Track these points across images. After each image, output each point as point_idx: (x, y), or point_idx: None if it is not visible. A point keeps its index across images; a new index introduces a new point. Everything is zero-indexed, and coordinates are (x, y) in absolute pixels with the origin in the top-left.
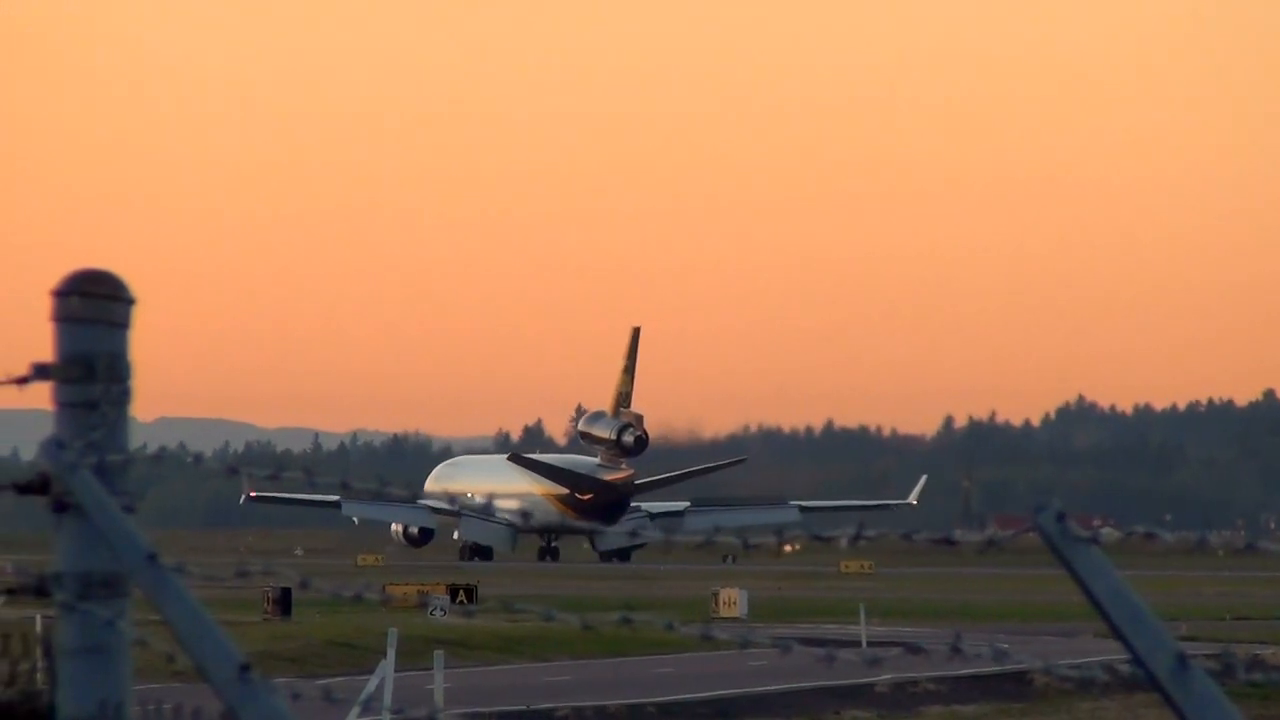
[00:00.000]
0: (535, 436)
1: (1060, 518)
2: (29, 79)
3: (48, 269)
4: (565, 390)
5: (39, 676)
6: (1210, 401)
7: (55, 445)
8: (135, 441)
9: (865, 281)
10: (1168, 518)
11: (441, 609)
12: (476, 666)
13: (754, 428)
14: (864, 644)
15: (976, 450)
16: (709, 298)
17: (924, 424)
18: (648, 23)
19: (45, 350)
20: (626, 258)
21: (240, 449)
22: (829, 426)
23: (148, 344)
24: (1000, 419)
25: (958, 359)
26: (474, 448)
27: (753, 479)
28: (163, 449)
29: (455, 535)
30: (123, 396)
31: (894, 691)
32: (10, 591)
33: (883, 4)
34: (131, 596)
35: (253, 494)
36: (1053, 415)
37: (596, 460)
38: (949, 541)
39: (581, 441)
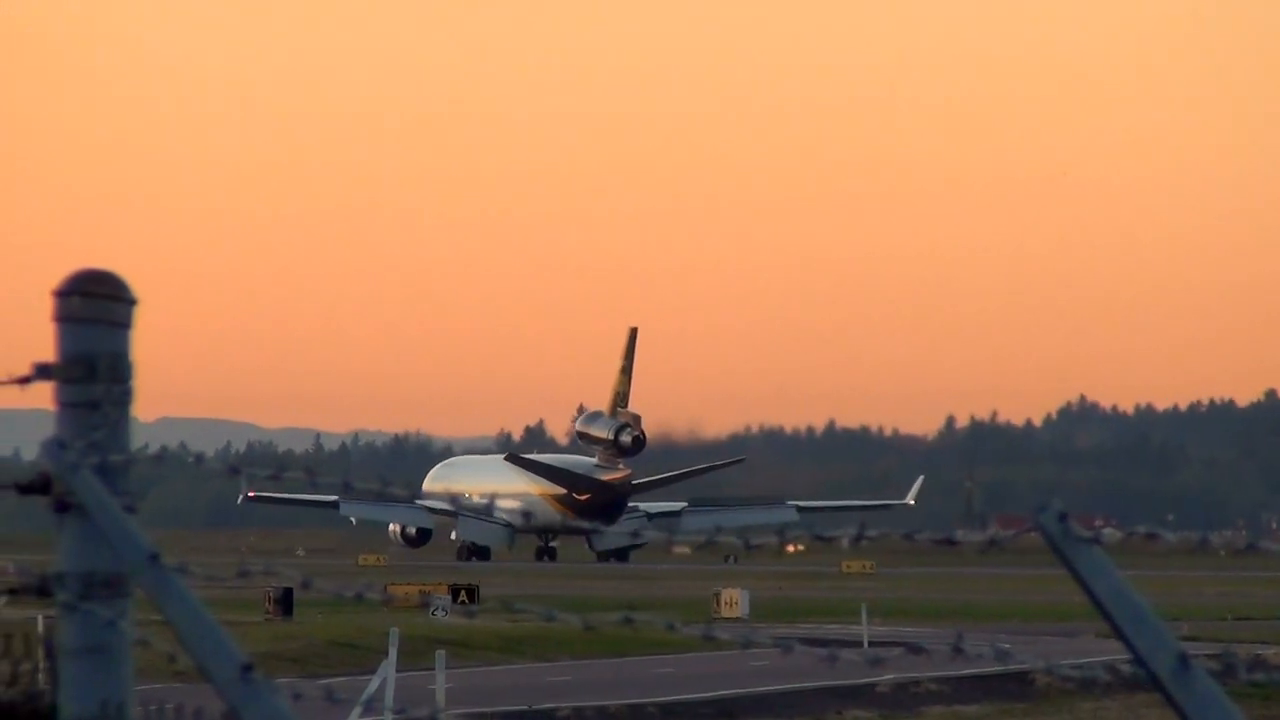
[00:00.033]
0: (537, 436)
1: (1062, 518)
2: (29, 79)
3: (49, 269)
4: (567, 390)
5: (41, 677)
6: (1212, 401)
7: (57, 445)
8: (137, 441)
9: (866, 281)
10: (1169, 518)
11: (443, 609)
12: (478, 666)
13: (755, 428)
14: (866, 644)
15: (978, 450)
16: (710, 297)
17: (925, 424)
18: (648, 23)
19: (47, 350)
20: (627, 257)
21: (242, 449)
22: (830, 426)
23: (149, 344)
24: (1002, 419)
25: (959, 359)
26: (475, 448)
27: (754, 479)
28: (164, 449)
29: (453, 535)
30: (124, 396)
31: (896, 691)
32: (12, 591)
33: (883, 4)
34: (133, 596)
35: (251, 494)
36: (1054, 415)
37: (594, 460)
38: (951, 542)
39: (579, 441)
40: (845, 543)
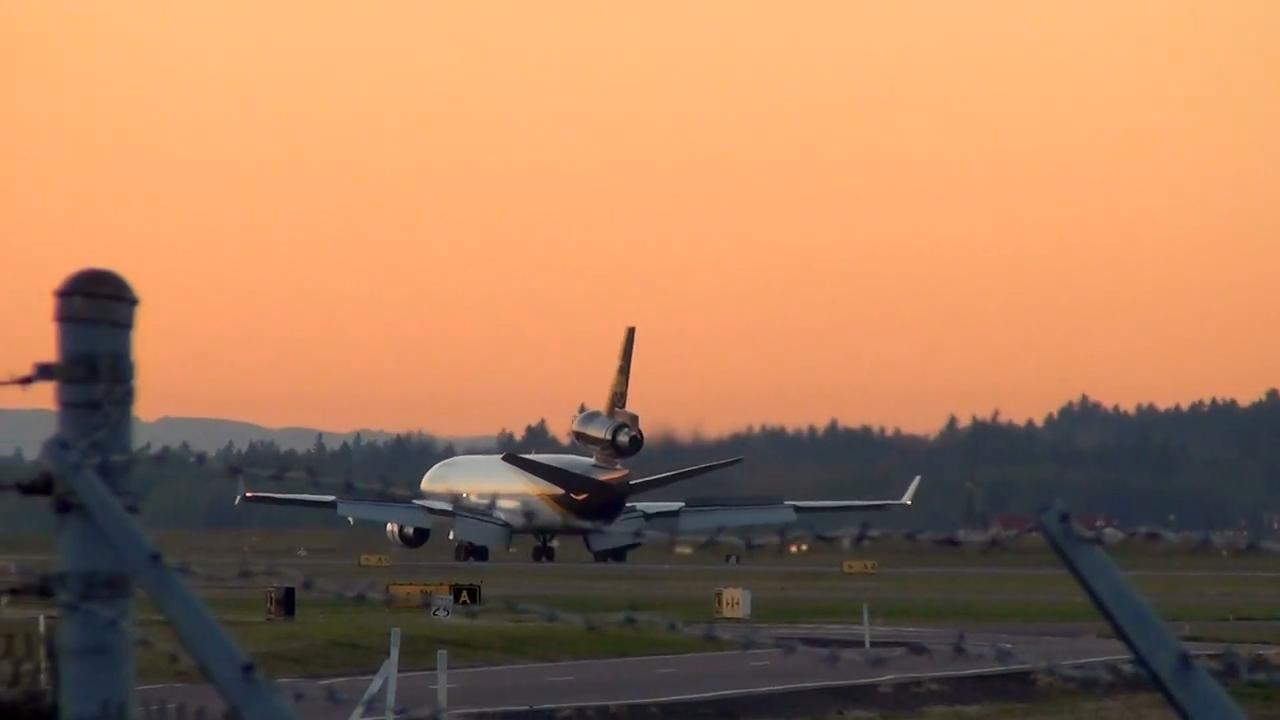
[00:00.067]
0: (539, 436)
1: (1064, 518)
2: (30, 79)
3: (51, 269)
4: (568, 390)
5: (42, 677)
6: (1213, 401)
7: (59, 445)
8: (138, 442)
9: (867, 281)
10: (1171, 518)
11: (444, 609)
12: (479, 667)
13: (757, 428)
14: (867, 644)
15: (979, 450)
16: (711, 298)
17: (927, 424)
18: (647, 23)
19: (48, 350)
20: (629, 258)
21: (244, 449)
22: (832, 426)
23: (151, 344)
24: (1003, 419)
25: (961, 359)
26: (477, 448)
27: (756, 479)
28: (166, 449)
29: (451, 535)
30: (126, 397)
31: (897, 692)
32: (14, 591)
33: (883, 4)
34: (134, 597)
35: (249, 494)
36: (1056, 415)
37: (592, 460)
38: (952, 542)
39: (576, 442)
40: (847, 543)
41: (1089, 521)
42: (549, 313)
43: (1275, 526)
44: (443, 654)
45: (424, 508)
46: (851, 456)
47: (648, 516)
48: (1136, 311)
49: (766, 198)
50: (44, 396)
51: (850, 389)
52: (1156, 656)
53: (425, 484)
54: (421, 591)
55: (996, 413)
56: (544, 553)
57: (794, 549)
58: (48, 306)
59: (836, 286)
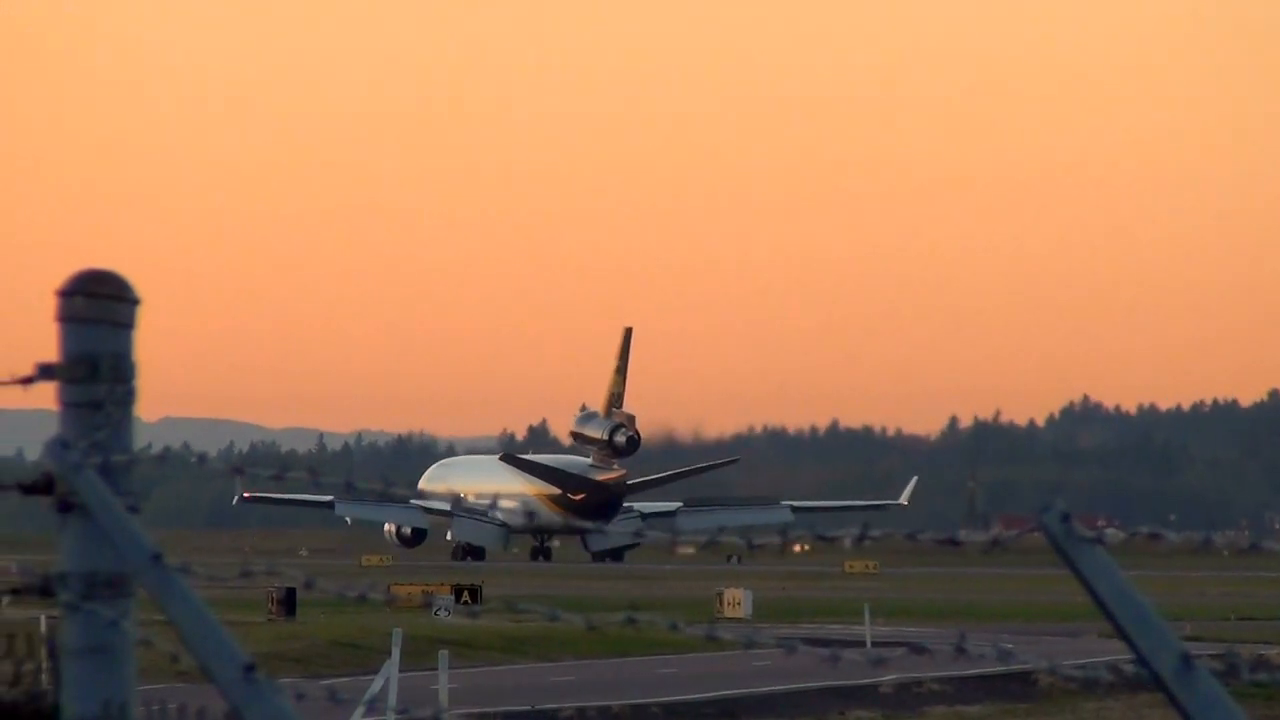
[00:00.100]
0: (540, 436)
1: (1065, 518)
2: (30, 79)
3: (52, 269)
4: (570, 390)
5: (43, 677)
6: (1215, 402)
7: (60, 445)
8: (140, 441)
9: (868, 281)
10: (1172, 518)
11: (446, 609)
12: (481, 667)
13: (759, 428)
14: (868, 644)
15: (980, 450)
16: (712, 297)
17: (928, 424)
18: (647, 23)
19: (50, 350)
20: (630, 257)
21: (245, 449)
22: (834, 427)
23: (152, 344)
24: (1005, 419)
25: (962, 359)
26: (478, 448)
27: (757, 479)
28: (167, 449)
29: (448, 535)
30: (127, 396)
31: (898, 692)
32: (15, 591)
33: (883, 4)
34: (136, 597)
35: (246, 495)
36: (1057, 415)
37: (589, 460)
38: (954, 542)
39: (574, 442)
40: (848, 543)
41: (1090, 521)
42: (550, 312)
43: (1277, 526)
44: (444, 654)
45: (421, 508)
46: (853, 456)
47: (644, 517)
48: (1138, 311)
49: (766, 197)
50: (45, 396)
51: (851, 389)
52: (1158, 657)
53: (423, 484)
54: (423, 591)
55: (998, 413)
56: (541, 553)
57: (797, 549)
58: (49, 306)
59: (836, 286)
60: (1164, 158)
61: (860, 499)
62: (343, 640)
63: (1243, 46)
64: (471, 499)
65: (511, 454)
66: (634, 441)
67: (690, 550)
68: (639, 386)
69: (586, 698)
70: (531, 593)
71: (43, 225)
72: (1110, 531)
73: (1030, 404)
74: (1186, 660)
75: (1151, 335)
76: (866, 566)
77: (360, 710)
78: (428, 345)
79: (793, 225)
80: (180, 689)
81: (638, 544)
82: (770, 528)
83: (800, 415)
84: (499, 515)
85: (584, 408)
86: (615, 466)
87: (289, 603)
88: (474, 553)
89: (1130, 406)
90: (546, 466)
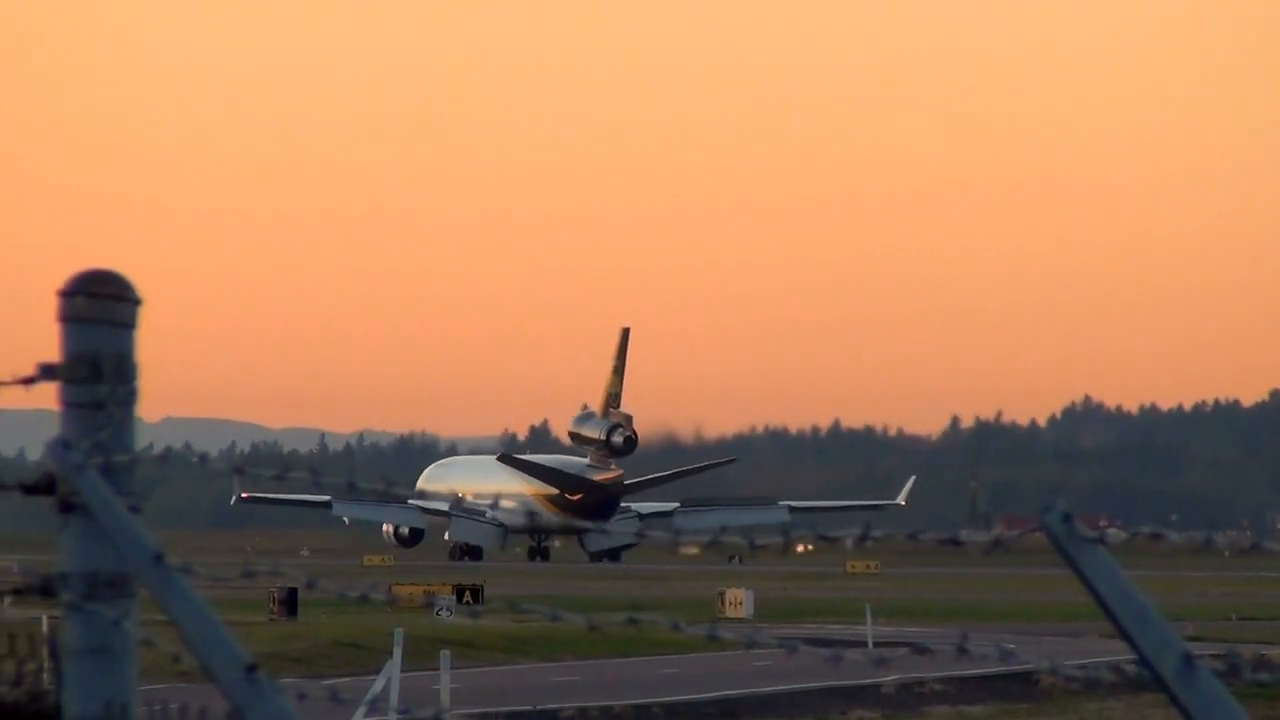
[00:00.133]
0: (541, 436)
1: (1066, 518)
2: (30, 79)
3: (54, 269)
4: (571, 390)
5: (45, 677)
6: (1216, 402)
7: (61, 445)
8: (141, 442)
9: (868, 281)
10: (1173, 518)
11: (447, 609)
12: (483, 666)
13: (760, 428)
14: (870, 644)
15: (982, 450)
16: (712, 297)
17: (930, 424)
18: (647, 23)
19: (51, 350)
20: (630, 257)
21: (246, 449)
22: (835, 426)
23: (153, 344)
24: (1006, 419)
25: (963, 359)
26: (480, 448)
27: (758, 479)
28: (169, 449)
29: (446, 536)
30: (129, 397)
31: (900, 692)
32: (17, 591)
33: (883, 4)
34: (137, 597)
35: (244, 495)
36: (1059, 415)
37: (586, 461)
38: (955, 542)
39: (571, 442)
40: (849, 543)
41: (1092, 521)
42: (551, 312)
43: (1278, 526)
44: (446, 654)
45: (419, 508)
46: (854, 457)
47: (642, 517)
48: (1139, 311)
49: (766, 197)
50: (47, 397)
51: (852, 389)
52: (1159, 657)
53: (420, 484)
54: (424, 592)
55: (999, 413)
56: (539, 553)
57: (799, 549)
58: (50, 306)
59: (837, 286)
60: (1164, 158)
61: (860, 499)
62: (344, 640)
63: (1243, 46)
64: (469, 499)
65: (509, 454)
66: (631, 441)
67: (694, 550)
68: (639, 387)
69: (588, 698)
70: (532, 593)
71: (44, 225)
72: (1112, 531)
73: (1032, 404)
74: (1188, 660)
75: (1152, 335)
76: (868, 566)
77: (362, 710)
78: (429, 345)
79: (793, 225)
80: (182, 689)
81: (635, 544)
82: (767, 528)
83: (801, 415)
84: (496, 515)
85: (585, 407)
86: (612, 466)
87: (290, 603)
88: (471, 553)
89: (1132, 406)
90: (543, 466)
